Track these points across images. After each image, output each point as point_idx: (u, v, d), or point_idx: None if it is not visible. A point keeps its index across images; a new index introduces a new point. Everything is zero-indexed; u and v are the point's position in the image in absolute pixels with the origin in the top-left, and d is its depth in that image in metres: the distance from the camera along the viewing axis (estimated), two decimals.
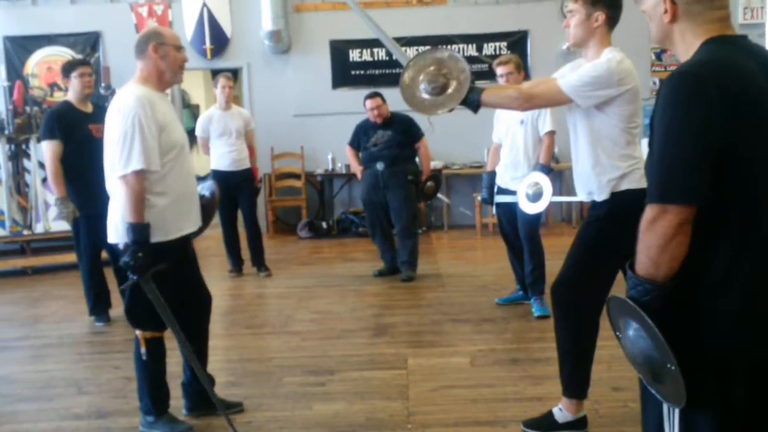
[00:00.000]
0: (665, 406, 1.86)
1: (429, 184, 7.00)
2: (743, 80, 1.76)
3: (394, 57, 3.61)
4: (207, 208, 3.74)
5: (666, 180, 1.75)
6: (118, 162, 3.26)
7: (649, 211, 1.76)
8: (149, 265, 3.25)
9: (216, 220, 6.19)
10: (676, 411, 1.83)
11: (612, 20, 3.13)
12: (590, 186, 3.20)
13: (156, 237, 3.30)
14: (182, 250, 3.52)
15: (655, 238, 1.75)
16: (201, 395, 3.74)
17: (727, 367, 1.80)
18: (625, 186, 3.12)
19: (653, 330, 1.75)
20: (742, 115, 1.72)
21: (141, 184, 3.25)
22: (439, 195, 7.76)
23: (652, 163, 1.80)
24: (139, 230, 3.23)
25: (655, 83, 9.67)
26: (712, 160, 1.71)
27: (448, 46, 9.58)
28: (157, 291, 3.32)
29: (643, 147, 3.29)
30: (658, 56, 9.78)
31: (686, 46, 1.88)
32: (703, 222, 1.75)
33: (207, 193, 3.86)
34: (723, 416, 1.81)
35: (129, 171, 3.23)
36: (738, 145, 1.73)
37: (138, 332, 3.47)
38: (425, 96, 3.20)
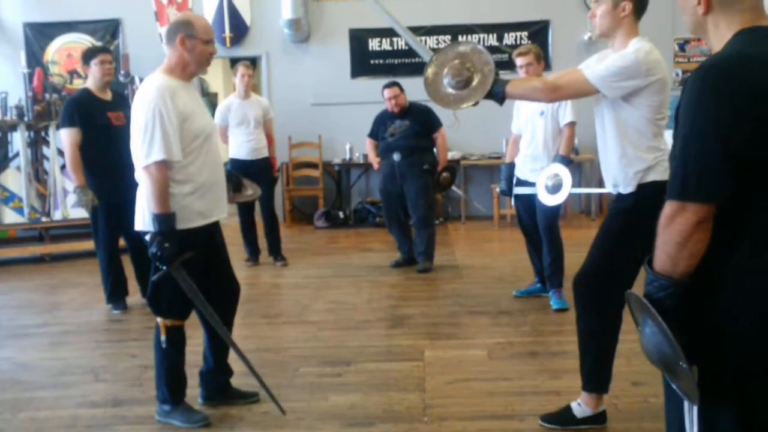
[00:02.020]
0: (685, 402, 1.83)
1: (444, 175, 6.94)
2: None
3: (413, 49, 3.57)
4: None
5: (686, 176, 1.70)
6: (141, 153, 3.26)
7: (668, 208, 1.73)
8: (177, 254, 3.24)
9: (233, 208, 6.21)
10: (695, 407, 1.80)
11: (639, 10, 3.07)
12: (617, 178, 3.15)
13: (180, 225, 3.30)
14: (209, 238, 3.51)
15: (674, 235, 1.71)
16: (218, 385, 3.74)
17: (744, 367, 1.76)
18: (651, 178, 3.07)
19: (663, 327, 1.72)
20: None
21: (164, 174, 3.24)
22: (454, 188, 7.71)
23: (674, 157, 1.76)
24: (164, 220, 3.23)
25: (678, 74, 9.55)
26: (734, 158, 1.67)
27: (469, 36, 9.55)
28: (188, 279, 3.33)
29: (667, 138, 3.24)
30: (682, 47, 9.67)
31: (720, 36, 1.83)
32: (723, 219, 1.71)
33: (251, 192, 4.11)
34: (742, 415, 1.77)
35: (151, 162, 3.23)
36: (764, 141, 1.67)
37: (159, 320, 3.46)
38: (449, 90, 3.16)
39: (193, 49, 3.36)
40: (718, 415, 1.79)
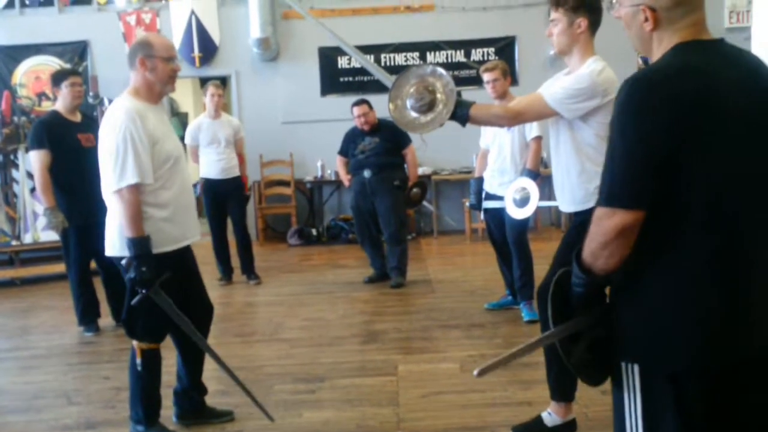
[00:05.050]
0: (626, 402, 1.89)
1: (415, 190, 7.00)
2: (700, 82, 1.75)
3: (373, 72, 3.62)
4: None
5: (613, 184, 1.79)
6: (112, 177, 3.24)
7: (599, 210, 1.82)
8: (156, 276, 3.22)
9: (205, 227, 6.22)
10: (638, 411, 1.85)
11: (594, 24, 3.16)
12: (577, 194, 3.22)
13: (153, 249, 3.29)
14: (181, 260, 3.50)
15: (599, 234, 1.81)
16: (193, 404, 3.74)
17: (674, 370, 1.80)
18: None
19: (547, 314, 1.92)
20: (695, 118, 1.72)
21: (136, 197, 3.23)
22: (425, 203, 7.77)
23: (605, 165, 1.83)
24: (140, 244, 3.21)
25: None
26: (659, 167, 1.73)
27: (436, 53, 9.66)
28: (169, 300, 3.31)
29: None
30: (645, 61, 9.84)
31: (661, 51, 1.88)
32: (651, 226, 1.77)
33: None
34: (683, 419, 1.79)
35: (123, 185, 3.21)
36: (690, 149, 1.73)
37: (134, 343, 3.46)
38: (414, 114, 3.21)
39: (155, 69, 3.35)
40: (659, 420, 1.82)
